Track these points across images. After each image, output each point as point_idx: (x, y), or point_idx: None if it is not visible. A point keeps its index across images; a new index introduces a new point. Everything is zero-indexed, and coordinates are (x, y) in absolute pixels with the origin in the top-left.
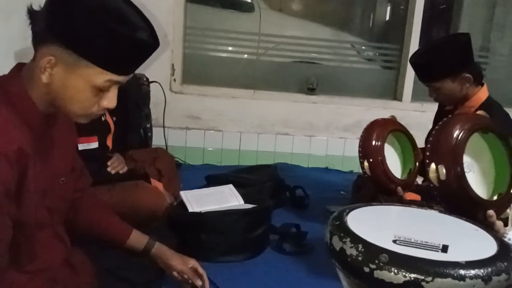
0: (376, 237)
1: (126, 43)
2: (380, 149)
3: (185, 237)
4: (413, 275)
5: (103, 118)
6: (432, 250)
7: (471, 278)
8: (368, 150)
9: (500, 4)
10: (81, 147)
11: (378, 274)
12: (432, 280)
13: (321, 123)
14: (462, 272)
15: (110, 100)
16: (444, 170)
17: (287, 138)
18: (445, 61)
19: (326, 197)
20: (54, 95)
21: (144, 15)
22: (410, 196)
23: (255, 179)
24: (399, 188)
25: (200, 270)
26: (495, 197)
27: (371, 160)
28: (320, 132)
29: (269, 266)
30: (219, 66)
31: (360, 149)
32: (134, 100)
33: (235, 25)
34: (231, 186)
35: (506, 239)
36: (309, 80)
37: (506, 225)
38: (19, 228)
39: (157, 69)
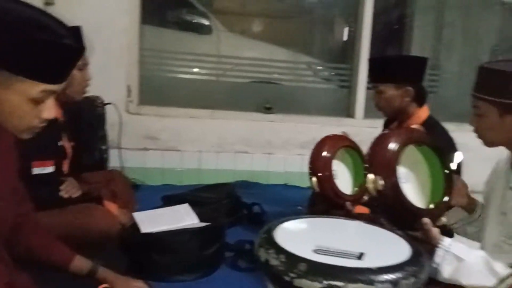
0: (299, 248)
1: (51, 50)
2: (328, 165)
3: (138, 258)
4: (328, 282)
5: (59, 143)
6: (349, 258)
7: (380, 282)
8: (317, 166)
9: (447, 25)
10: (35, 171)
11: (297, 282)
12: (345, 286)
13: (278, 141)
14: (372, 277)
15: (48, 110)
16: (380, 181)
17: (246, 156)
18: (399, 67)
19: (283, 213)
20: None
21: (63, 22)
22: (359, 209)
23: (212, 197)
24: (347, 202)
25: None
26: (431, 206)
27: (319, 175)
28: (278, 150)
29: (224, 283)
30: (178, 87)
31: (310, 165)
32: (88, 122)
33: (193, 47)
34: (186, 205)
35: (441, 246)
36: (266, 100)
37: (442, 232)
38: None
39: (112, 90)
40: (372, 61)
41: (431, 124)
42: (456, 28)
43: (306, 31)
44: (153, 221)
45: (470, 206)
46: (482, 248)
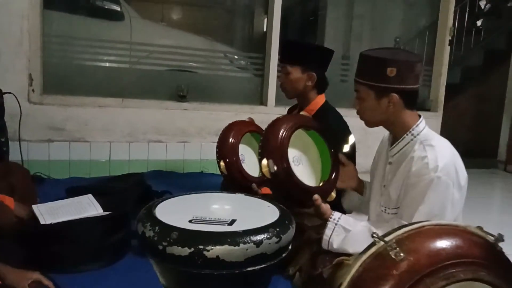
0: (175, 219)
1: None
2: (235, 150)
3: (37, 250)
4: (197, 247)
5: None
6: (221, 225)
7: (244, 243)
8: (224, 151)
9: (357, 17)
10: None
11: (169, 250)
12: (212, 249)
13: (193, 129)
14: (238, 239)
15: None
16: (273, 164)
17: (160, 145)
18: (308, 53)
19: None
20: None
21: None
22: (265, 190)
23: (120, 187)
24: (253, 184)
25: (45, 282)
26: (321, 184)
27: (227, 160)
28: (193, 138)
29: (130, 270)
30: (85, 75)
31: (217, 150)
32: None
33: (103, 33)
34: (89, 196)
35: (331, 219)
36: (180, 88)
37: (332, 207)
38: None
39: (11, 79)
40: (286, 43)
41: (326, 109)
42: (365, 21)
43: (222, 20)
44: (54, 212)
45: (361, 188)
46: (368, 218)
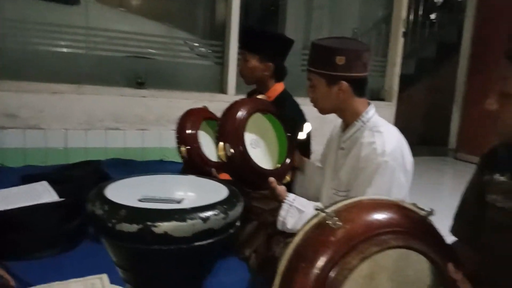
0: (124, 198)
1: None
2: (194, 136)
3: None
4: (145, 223)
5: None
6: (170, 203)
7: (192, 219)
8: (184, 136)
9: (317, 8)
10: None
11: (118, 227)
12: (160, 225)
13: (152, 117)
14: (185, 215)
15: None
16: (229, 147)
17: (118, 133)
18: (267, 43)
19: None
20: None
21: None
22: (224, 176)
23: (76, 175)
24: (213, 169)
25: None
26: (277, 166)
27: (188, 146)
28: (153, 126)
29: (86, 256)
30: (40, 61)
31: (177, 135)
32: None
33: (58, 18)
34: (44, 182)
35: (286, 201)
36: (139, 75)
37: (288, 189)
38: None
39: None
40: (246, 30)
41: (284, 97)
42: (324, 11)
43: (182, 7)
44: (7, 199)
45: (302, 166)
46: (321, 202)
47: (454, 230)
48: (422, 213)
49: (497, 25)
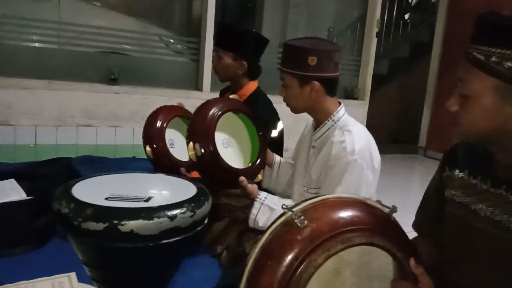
0: (91, 197)
1: None
2: (162, 135)
3: None
4: (111, 222)
5: None
6: (137, 202)
7: (158, 217)
8: (150, 135)
9: (293, 6)
10: None
11: (84, 225)
12: (126, 223)
13: (125, 113)
14: (151, 214)
15: None
16: (199, 147)
17: (89, 129)
18: (241, 42)
19: None
20: None
21: None
22: (195, 174)
23: (46, 172)
24: (182, 168)
25: None
26: (249, 165)
27: (153, 145)
28: (125, 122)
29: (56, 254)
30: (9, 55)
31: (143, 134)
32: None
33: (29, 11)
34: (12, 180)
35: (257, 199)
36: (111, 70)
37: (260, 187)
38: None
39: None
40: (221, 27)
41: (257, 96)
42: (301, 10)
43: (158, 2)
44: None
45: (270, 161)
46: (292, 199)
47: (415, 225)
48: (386, 210)
49: (467, 26)
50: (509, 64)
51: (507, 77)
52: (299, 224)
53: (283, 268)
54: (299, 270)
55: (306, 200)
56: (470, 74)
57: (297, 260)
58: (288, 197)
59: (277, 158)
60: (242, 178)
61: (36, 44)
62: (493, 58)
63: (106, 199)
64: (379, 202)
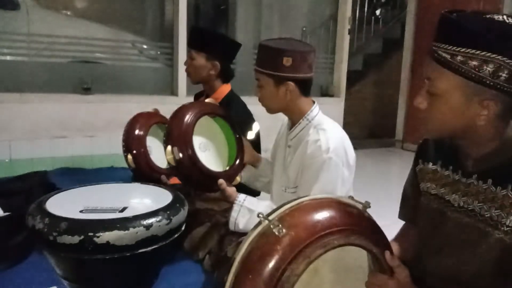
0: (65, 210)
1: None
2: (142, 142)
3: None
4: (86, 234)
5: None
6: (113, 212)
7: (134, 227)
8: (131, 143)
9: (266, 7)
10: None
11: (59, 239)
12: (101, 235)
13: (100, 123)
14: (127, 224)
15: None
16: (178, 151)
17: (65, 141)
18: (215, 43)
19: None
20: None
21: None
22: (174, 180)
23: (22, 187)
24: (162, 176)
25: None
26: (227, 169)
27: (134, 152)
28: (101, 132)
29: (35, 270)
30: None
31: (123, 143)
32: None
33: None
34: None
35: (237, 202)
36: (84, 80)
37: (238, 190)
38: None
39: None
40: (193, 29)
41: (231, 98)
42: (274, 10)
43: (129, 8)
44: None
45: (256, 163)
46: (271, 198)
47: (401, 216)
48: (359, 206)
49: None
50: (474, 63)
51: (473, 75)
52: (277, 233)
53: (265, 280)
54: (281, 280)
55: (281, 206)
56: (437, 72)
57: (278, 271)
58: (268, 191)
59: (263, 158)
60: (221, 181)
61: (7, 58)
62: (459, 58)
63: (81, 211)
64: (352, 198)
